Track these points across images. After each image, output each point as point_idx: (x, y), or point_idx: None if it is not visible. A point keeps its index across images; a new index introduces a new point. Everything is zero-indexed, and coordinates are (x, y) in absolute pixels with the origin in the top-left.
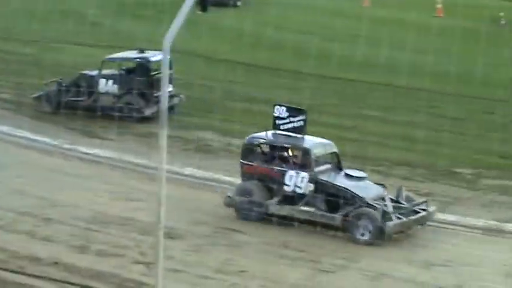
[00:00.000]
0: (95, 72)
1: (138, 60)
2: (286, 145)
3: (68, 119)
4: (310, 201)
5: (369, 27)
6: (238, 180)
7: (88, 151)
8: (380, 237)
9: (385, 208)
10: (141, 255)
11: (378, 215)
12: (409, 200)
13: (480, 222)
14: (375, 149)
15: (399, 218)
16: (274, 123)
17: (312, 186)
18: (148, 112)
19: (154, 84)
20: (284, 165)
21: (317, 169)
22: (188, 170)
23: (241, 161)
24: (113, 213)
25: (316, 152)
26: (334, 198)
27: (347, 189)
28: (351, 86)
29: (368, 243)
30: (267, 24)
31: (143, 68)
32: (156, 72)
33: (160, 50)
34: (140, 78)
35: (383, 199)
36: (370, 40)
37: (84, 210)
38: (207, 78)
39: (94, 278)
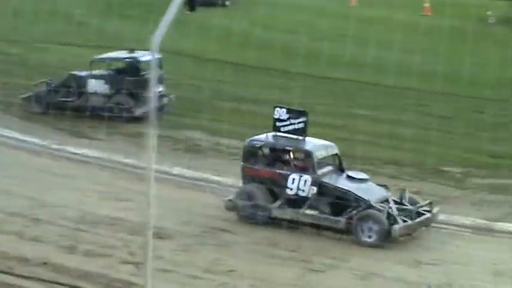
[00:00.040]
0: (84, 73)
1: (127, 60)
2: (288, 148)
3: (56, 119)
4: (314, 204)
5: (356, 27)
6: (227, 180)
7: (77, 151)
8: (386, 239)
9: (389, 210)
10: (130, 255)
11: (383, 217)
12: (412, 202)
13: (469, 221)
14: (364, 147)
15: (405, 221)
16: (274, 125)
17: (315, 189)
18: (138, 112)
19: (144, 84)
20: (286, 168)
21: (320, 172)
22: (177, 170)
23: (242, 164)
24: (102, 213)
25: (319, 154)
26: (338, 201)
27: (351, 191)
28: (339, 85)
29: (374, 246)
30: (255, 23)
31: (133, 68)
32: (146, 72)
33: (148, 49)
34: (130, 78)
35: (387, 201)
36: (358, 39)
37: (73, 211)
38: (196, 78)
39: (82, 278)
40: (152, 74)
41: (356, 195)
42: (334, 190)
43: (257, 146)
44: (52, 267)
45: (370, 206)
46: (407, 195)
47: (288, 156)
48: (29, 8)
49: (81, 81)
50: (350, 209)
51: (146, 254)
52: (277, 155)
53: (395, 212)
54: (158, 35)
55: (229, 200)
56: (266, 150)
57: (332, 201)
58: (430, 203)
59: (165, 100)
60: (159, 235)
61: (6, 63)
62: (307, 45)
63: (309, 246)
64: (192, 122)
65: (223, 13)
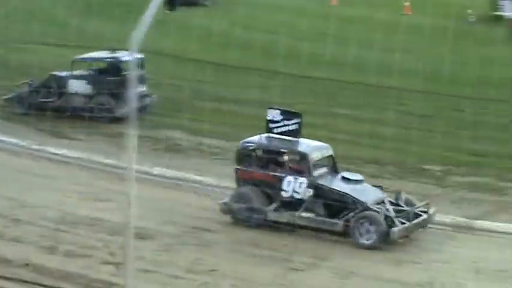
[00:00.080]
0: (65, 73)
1: (109, 60)
2: (282, 150)
3: (37, 120)
4: (310, 206)
5: (336, 26)
6: (208, 180)
7: (57, 152)
8: (384, 241)
9: (386, 212)
10: (111, 255)
11: (381, 219)
12: (408, 203)
13: (449, 219)
14: (345, 147)
15: (402, 223)
16: (268, 127)
17: (311, 192)
18: (119, 112)
19: (125, 84)
20: (281, 171)
21: (315, 174)
22: (158, 170)
23: (236, 166)
24: (82, 213)
25: (314, 156)
26: (334, 203)
27: (348, 194)
28: (320, 85)
29: (372, 248)
30: (235, 23)
31: (114, 68)
32: (128, 73)
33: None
34: (111, 78)
35: (383, 202)
36: (338, 39)
37: (53, 211)
38: (176, 78)
39: (63, 278)
40: (132, 74)
41: (353, 197)
42: (330, 192)
43: (251, 148)
44: (33, 268)
45: (368, 208)
46: (403, 196)
47: (282, 158)
48: (8, 8)
49: (62, 82)
50: (347, 212)
51: (126, 254)
52: (271, 157)
53: (392, 214)
54: (138, 35)
55: (224, 203)
56: (260, 153)
57: (328, 203)
58: (427, 204)
59: (147, 100)
60: (140, 235)
61: None
62: (288, 45)
63: (290, 245)
64: (173, 122)
65: (204, 13)
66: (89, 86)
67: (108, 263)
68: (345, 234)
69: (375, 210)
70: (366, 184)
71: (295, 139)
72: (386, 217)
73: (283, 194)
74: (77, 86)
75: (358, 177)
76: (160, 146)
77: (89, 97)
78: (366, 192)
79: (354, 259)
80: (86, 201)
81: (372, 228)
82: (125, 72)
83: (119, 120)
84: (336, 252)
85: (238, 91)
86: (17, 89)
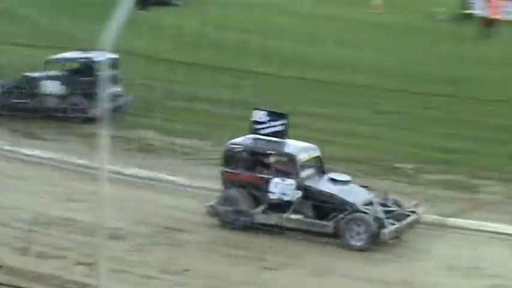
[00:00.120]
0: (37, 74)
1: (82, 60)
2: (269, 151)
3: (10, 121)
4: (298, 208)
5: (308, 24)
6: (181, 180)
7: (30, 152)
8: (374, 243)
9: (376, 213)
10: (84, 256)
11: (371, 220)
12: (396, 203)
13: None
14: (317, 145)
15: (392, 224)
16: (253, 128)
17: (299, 193)
18: (93, 113)
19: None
20: (268, 172)
21: (303, 175)
22: (130, 170)
23: (223, 168)
24: (55, 214)
25: (302, 157)
26: (323, 205)
27: (336, 195)
28: (292, 84)
29: (363, 250)
30: (207, 23)
31: (88, 69)
32: (102, 73)
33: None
34: (85, 78)
35: (371, 203)
36: (311, 37)
37: (26, 212)
38: (148, 78)
39: (36, 280)
40: (104, 74)
41: (342, 198)
42: (318, 194)
43: (237, 149)
44: (6, 270)
45: (357, 210)
46: (390, 197)
47: (269, 160)
48: None
49: (35, 83)
50: (336, 213)
51: (99, 255)
52: (258, 159)
53: (382, 215)
54: (109, 35)
55: (211, 206)
56: (246, 154)
57: (316, 205)
58: (417, 204)
59: (121, 100)
60: (112, 235)
61: None
62: (260, 44)
63: (263, 244)
64: (145, 121)
65: (175, 12)
66: (62, 86)
67: (82, 263)
68: (334, 236)
69: (365, 212)
70: (353, 185)
71: (281, 140)
72: (376, 218)
73: (271, 196)
74: (51, 87)
75: (346, 178)
76: (133, 146)
77: (63, 98)
78: (354, 193)
79: (328, 257)
80: (59, 202)
81: (362, 229)
82: (98, 73)
83: (92, 120)
84: (309, 251)
85: (210, 91)
86: None
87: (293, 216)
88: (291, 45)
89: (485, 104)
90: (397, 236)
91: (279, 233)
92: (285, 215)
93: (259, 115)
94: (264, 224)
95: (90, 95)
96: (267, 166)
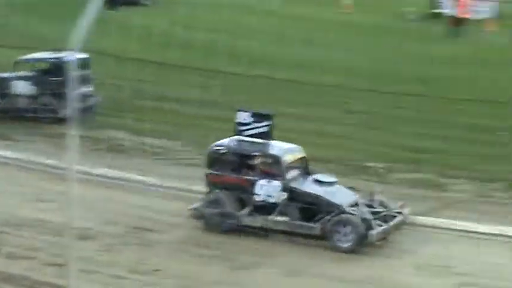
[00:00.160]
0: (7, 74)
1: (52, 60)
2: (254, 153)
3: None
4: (284, 210)
5: (278, 24)
6: (151, 179)
7: None
8: (362, 244)
9: (363, 215)
10: (54, 256)
11: (359, 222)
12: (382, 204)
13: None
14: None
15: (380, 225)
16: (237, 129)
17: (285, 195)
18: (63, 113)
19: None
20: (253, 174)
21: (288, 177)
22: (100, 170)
23: (207, 171)
24: (25, 215)
25: (287, 158)
26: (309, 206)
27: (323, 196)
28: (261, 83)
29: (350, 251)
30: (176, 22)
31: (58, 69)
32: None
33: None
34: (55, 79)
35: (357, 204)
36: (279, 37)
37: None
38: (117, 78)
39: (6, 281)
40: (73, 74)
41: (328, 200)
42: (304, 195)
43: (221, 151)
44: None
45: (344, 211)
46: (377, 197)
47: (254, 162)
48: None
49: (5, 83)
50: (322, 215)
51: (68, 255)
52: (243, 161)
53: (370, 217)
54: (78, 35)
55: (195, 209)
56: (231, 156)
57: (302, 206)
58: (403, 204)
59: (92, 100)
60: (82, 236)
61: None
62: (228, 44)
63: (235, 244)
64: (115, 121)
65: (144, 12)
66: (32, 87)
67: (52, 264)
68: (321, 238)
69: (352, 213)
70: (339, 186)
71: (266, 141)
72: (363, 219)
73: (256, 198)
74: (21, 87)
75: (331, 179)
76: (102, 146)
77: (33, 98)
78: (341, 195)
79: (298, 257)
80: (29, 202)
81: (350, 231)
82: (68, 73)
83: (62, 120)
84: (280, 251)
85: (179, 90)
86: None
87: (279, 218)
88: (259, 45)
89: (454, 103)
90: (384, 237)
91: (251, 233)
92: (270, 217)
93: (243, 116)
94: (249, 227)
95: (60, 95)
96: (251, 168)
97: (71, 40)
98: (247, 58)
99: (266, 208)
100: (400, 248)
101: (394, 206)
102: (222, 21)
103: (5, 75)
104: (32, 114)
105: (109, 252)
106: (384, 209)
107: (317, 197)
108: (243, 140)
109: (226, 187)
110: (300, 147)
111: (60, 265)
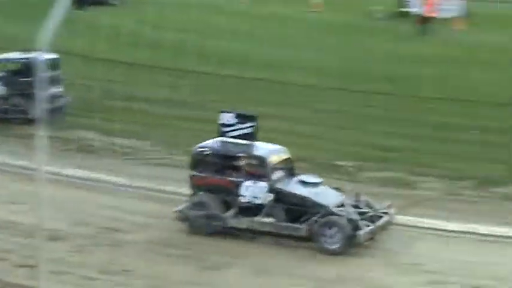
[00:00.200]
0: None
1: (22, 61)
2: (239, 154)
3: None
4: (269, 211)
5: (247, 24)
6: (121, 180)
7: None
8: (350, 245)
9: (349, 216)
10: (25, 258)
11: (346, 223)
12: (368, 205)
13: None
14: None
15: (367, 226)
16: (221, 131)
17: (271, 196)
18: (33, 113)
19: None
20: (238, 175)
21: (274, 178)
22: (70, 171)
23: (191, 172)
24: None
25: (272, 159)
26: (295, 207)
27: (309, 197)
28: (230, 83)
29: (338, 253)
30: (145, 22)
31: (28, 69)
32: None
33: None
34: (25, 79)
35: (343, 205)
36: (248, 36)
37: None
38: (86, 78)
39: None
40: (41, 75)
41: (314, 201)
42: (290, 196)
43: (205, 153)
44: None
45: (330, 212)
46: (362, 198)
47: (239, 163)
48: None
49: None
50: (308, 216)
51: (40, 257)
52: (227, 162)
53: (357, 217)
54: (46, 35)
55: (180, 211)
56: (215, 157)
57: (288, 208)
58: (390, 205)
59: (62, 101)
60: (52, 237)
61: None
62: (198, 43)
63: (205, 244)
64: (84, 122)
65: (112, 12)
66: (2, 87)
67: (23, 266)
68: (308, 240)
69: (338, 214)
70: (324, 187)
71: (251, 143)
72: (350, 220)
73: (241, 199)
74: None
75: (317, 179)
76: (72, 146)
77: (3, 99)
78: (327, 195)
79: (268, 257)
80: (0, 204)
81: (337, 232)
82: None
83: (32, 121)
84: (251, 251)
85: (148, 90)
86: None
87: (265, 219)
88: (228, 44)
89: (424, 101)
90: (371, 237)
91: (221, 233)
92: (256, 219)
93: (227, 117)
94: (235, 228)
95: (30, 96)
96: (236, 169)
97: (39, 40)
98: (216, 58)
99: (252, 210)
100: (370, 246)
101: (380, 206)
102: (190, 21)
103: None
104: (2, 115)
105: (80, 253)
106: (370, 210)
107: (303, 198)
108: (227, 142)
109: (210, 189)
110: (285, 148)
111: (31, 266)
